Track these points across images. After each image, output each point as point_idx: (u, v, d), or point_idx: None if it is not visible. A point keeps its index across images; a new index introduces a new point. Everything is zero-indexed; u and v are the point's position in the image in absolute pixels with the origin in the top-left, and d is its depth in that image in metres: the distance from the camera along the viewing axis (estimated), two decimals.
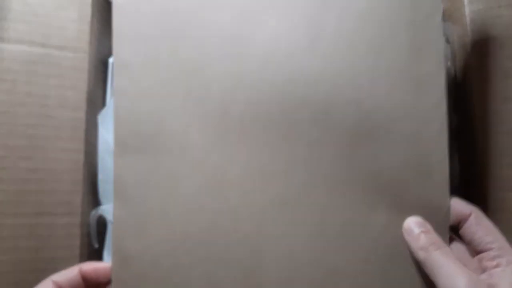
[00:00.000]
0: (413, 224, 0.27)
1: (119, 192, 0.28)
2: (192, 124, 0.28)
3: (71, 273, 0.28)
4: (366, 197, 0.27)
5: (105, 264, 0.28)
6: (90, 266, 0.28)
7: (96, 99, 0.35)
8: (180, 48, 0.28)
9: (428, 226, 0.27)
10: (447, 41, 0.36)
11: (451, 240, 0.28)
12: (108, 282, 0.28)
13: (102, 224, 0.34)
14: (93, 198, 0.34)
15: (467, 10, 0.33)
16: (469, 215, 0.27)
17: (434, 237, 0.27)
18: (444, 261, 0.25)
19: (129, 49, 0.28)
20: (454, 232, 0.28)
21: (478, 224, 0.27)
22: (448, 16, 0.37)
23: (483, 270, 0.26)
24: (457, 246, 0.27)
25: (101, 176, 0.34)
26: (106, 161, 0.34)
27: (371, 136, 0.27)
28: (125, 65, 0.28)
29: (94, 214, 0.33)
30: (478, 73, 0.32)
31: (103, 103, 0.36)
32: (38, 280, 0.27)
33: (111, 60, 0.36)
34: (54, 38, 0.32)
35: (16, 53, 0.31)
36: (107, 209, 0.33)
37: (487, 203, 0.31)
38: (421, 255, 0.26)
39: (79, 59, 0.33)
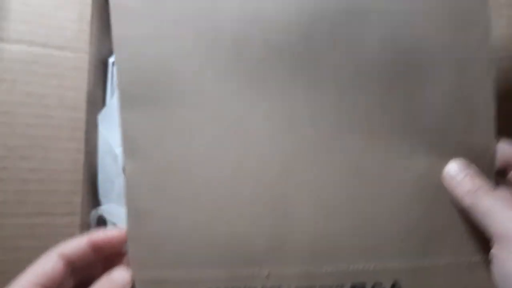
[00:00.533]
0: (456, 168, 0.25)
1: (129, 149, 0.25)
2: (205, 68, 0.25)
3: (79, 243, 0.24)
4: (405, 140, 0.26)
5: (118, 231, 0.25)
6: (102, 234, 0.25)
7: (96, 99, 0.35)
8: None
9: (474, 169, 0.25)
10: None
11: (497, 185, 0.26)
12: (122, 253, 0.25)
13: (102, 224, 0.34)
14: (93, 198, 0.34)
15: None
16: None
17: (481, 181, 0.25)
18: (496, 206, 0.23)
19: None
20: (501, 177, 0.27)
21: None
22: None
23: None
24: (504, 192, 0.25)
25: (101, 176, 0.34)
26: (106, 161, 0.34)
27: (409, 77, 0.25)
28: (124, 5, 0.25)
29: (94, 214, 0.33)
30: None
31: (103, 103, 0.36)
32: None
33: (111, 60, 0.36)
34: (54, 38, 0.32)
35: (16, 53, 0.31)
36: (107, 209, 0.33)
37: None
38: (467, 200, 0.24)
39: (79, 59, 0.33)
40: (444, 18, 0.25)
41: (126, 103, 0.25)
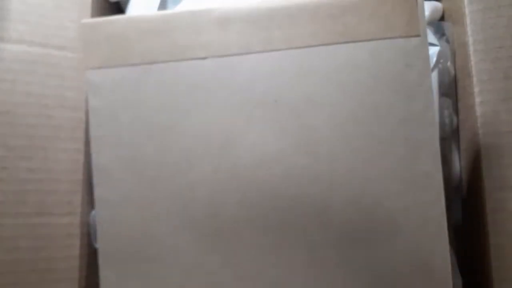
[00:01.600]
0: None
1: None
2: (181, 228, 0.27)
3: None
4: None
5: None
6: None
7: None
8: (164, 149, 0.27)
9: None
10: (447, 41, 0.36)
11: None
12: None
13: None
14: (93, 198, 0.34)
15: (467, 10, 0.33)
16: None
17: None
18: None
19: (110, 153, 0.27)
20: None
21: None
22: (448, 16, 0.37)
23: None
24: None
25: None
26: None
27: (372, 237, 0.26)
28: (105, 172, 0.27)
29: (94, 214, 0.33)
30: (478, 73, 0.32)
31: None
32: (38, 280, 0.27)
33: None
34: (54, 38, 0.32)
35: (16, 53, 0.32)
36: None
37: (487, 203, 0.31)
38: None
39: (79, 59, 0.33)
40: (402, 179, 0.26)
41: (105, 262, 0.27)
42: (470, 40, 0.32)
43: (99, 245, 0.27)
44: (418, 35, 0.26)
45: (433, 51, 0.34)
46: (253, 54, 0.27)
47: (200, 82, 0.27)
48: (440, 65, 0.35)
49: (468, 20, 0.32)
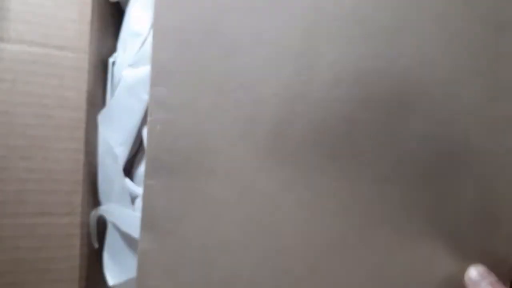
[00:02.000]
0: (477, 274, 0.25)
1: (148, 222, 0.24)
2: (241, 144, 0.24)
3: None
4: (430, 241, 0.26)
5: None
6: None
7: (96, 99, 0.35)
8: (231, 58, 0.24)
9: (493, 278, 0.25)
10: None
11: None
12: None
13: (102, 224, 0.34)
14: (93, 198, 0.34)
15: None
16: None
17: None
18: None
19: (172, 52, 0.24)
20: None
21: None
22: None
23: None
24: None
25: (101, 176, 0.34)
26: (106, 161, 0.34)
27: (444, 177, 0.25)
28: (164, 71, 0.24)
29: (94, 214, 0.33)
30: None
31: (103, 103, 0.36)
32: (38, 280, 0.27)
33: (111, 60, 0.36)
34: (54, 38, 0.32)
35: (16, 53, 0.31)
36: (107, 209, 0.33)
37: None
38: None
39: (79, 59, 0.33)
40: (482, 122, 0.25)
41: (152, 170, 0.24)
42: None
43: (148, 148, 0.24)
44: None
45: None
46: None
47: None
48: None
49: None
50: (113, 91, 0.36)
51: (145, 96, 0.31)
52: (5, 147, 0.31)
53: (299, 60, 0.24)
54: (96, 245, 0.34)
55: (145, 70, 0.32)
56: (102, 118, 0.34)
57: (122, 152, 0.33)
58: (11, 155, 0.31)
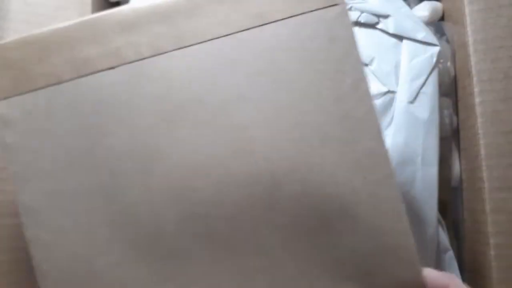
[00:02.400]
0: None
1: None
2: (125, 258, 0.24)
3: None
4: (336, 286, 0.25)
5: None
6: None
7: None
8: (90, 175, 0.24)
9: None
10: (447, 41, 0.37)
11: None
12: None
13: None
14: None
15: (467, 10, 0.33)
16: (447, 287, 0.24)
17: None
18: None
19: (33, 189, 0.24)
20: None
21: None
22: (448, 16, 0.37)
23: None
24: None
25: None
26: None
27: (326, 228, 0.24)
28: (32, 210, 0.24)
29: None
30: (478, 73, 0.32)
31: None
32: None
33: None
34: None
35: None
36: None
37: (487, 203, 0.31)
38: None
39: None
40: (347, 162, 0.24)
41: None
42: (470, 40, 0.32)
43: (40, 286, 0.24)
44: (335, 4, 0.24)
45: (433, 51, 0.34)
46: (164, 54, 0.24)
47: (113, 95, 0.24)
48: (440, 65, 0.35)
49: (468, 20, 0.33)
50: None
51: None
52: None
53: (151, 161, 0.24)
54: None
55: None
56: None
57: None
58: None
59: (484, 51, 0.32)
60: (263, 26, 0.24)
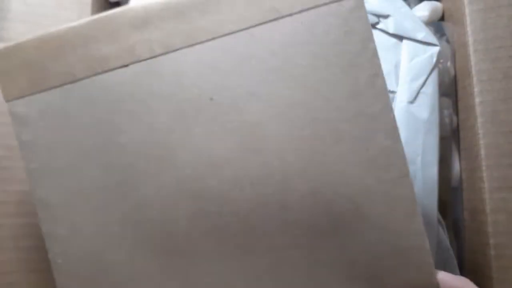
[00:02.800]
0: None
1: None
2: (136, 254, 0.25)
3: None
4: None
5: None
6: None
7: None
8: (105, 171, 0.25)
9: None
10: (447, 41, 0.37)
11: None
12: None
13: None
14: None
15: (467, 10, 0.33)
16: None
17: None
18: None
19: (49, 185, 0.25)
20: None
21: None
22: (448, 16, 0.37)
23: None
24: None
25: None
26: None
27: (338, 228, 0.24)
28: (48, 206, 0.25)
29: None
30: (478, 73, 0.32)
31: None
32: (38, 280, 0.27)
33: None
34: None
35: None
36: None
37: (487, 203, 0.31)
38: None
39: None
40: (359, 162, 0.24)
41: None
42: (470, 40, 0.32)
43: (57, 282, 0.25)
44: None
45: (433, 51, 0.34)
46: (177, 51, 0.24)
47: (127, 93, 0.24)
48: (440, 65, 0.35)
49: (468, 20, 0.33)
50: None
51: None
52: (5, 147, 0.31)
53: (163, 158, 0.25)
54: None
55: None
56: None
57: None
58: (11, 155, 0.31)
59: (484, 51, 0.32)
60: (277, 21, 0.24)
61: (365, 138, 0.24)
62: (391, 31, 0.35)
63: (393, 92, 0.34)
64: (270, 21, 0.24)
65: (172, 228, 0.24)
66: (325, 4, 0.24)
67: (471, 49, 0.32)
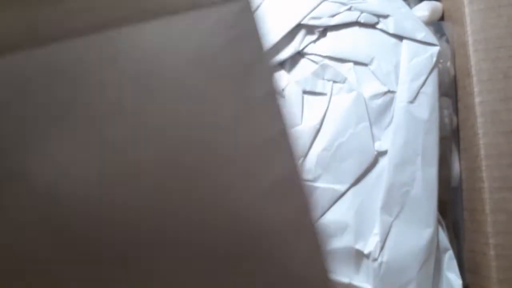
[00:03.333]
0: None
1: None
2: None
3: None
4: None
5: None
6: None
7: None
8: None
9: None
10: (447, 41, 0.37)
11: None
12: None
13: None
14: None
15: (467, 10, 0.33)
16: None
17: None
18: None
19: None
20: None
21: None
22: (448, 16, 0.37)
23: None
24: None
25: None
26: None
27: (229, 264, 0.20)
28: None
29: None
30: (477, 73, 0.32)
31: None
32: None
33: None
34: None
35: None
36: None
37: (487, 203, 0.31)
38: None
39: None
40: (258, 191, 0.19)
41: None
42: (470, 40, 0.32)
43: None
44: None
45: (433, 51, 0.34)
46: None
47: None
48: (440, 65, 0.35)
49: (468, 20, 0.33)
50: None
51: None
52: None
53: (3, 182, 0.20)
54: None
55: None
56: None
57: None
58: None
59: (484, 51, 0.32)
60: (158, 20, 0.19)
61: (260, 165, 0.19)
62: (391, 31, 0.35)
63: (393, 92, 0.34)
64: (141, 21, 0.18)
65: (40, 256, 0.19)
66: (208, 6, 0.19)
67: (471, 49, 0.32)
